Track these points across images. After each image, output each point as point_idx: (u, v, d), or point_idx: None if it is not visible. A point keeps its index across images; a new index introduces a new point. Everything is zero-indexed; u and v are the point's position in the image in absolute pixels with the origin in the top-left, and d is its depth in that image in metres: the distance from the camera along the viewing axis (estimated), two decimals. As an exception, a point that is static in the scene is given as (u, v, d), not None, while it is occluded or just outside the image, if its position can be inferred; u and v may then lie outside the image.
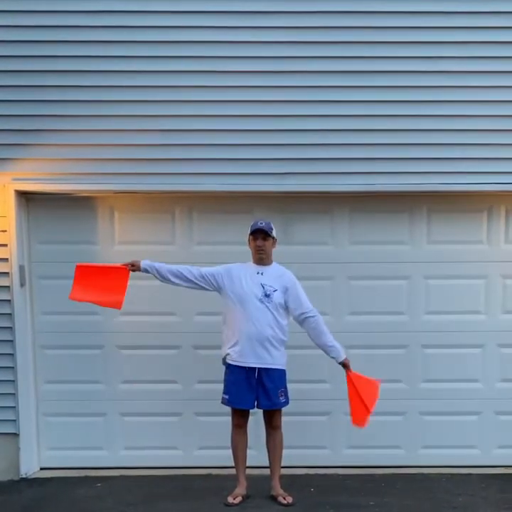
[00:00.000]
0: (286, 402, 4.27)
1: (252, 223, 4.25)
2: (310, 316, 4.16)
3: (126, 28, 4.52)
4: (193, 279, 4.19)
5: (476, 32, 4.52)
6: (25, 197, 4.76)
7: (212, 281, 4.20)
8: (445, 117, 4.58)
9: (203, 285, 4.22)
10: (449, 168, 4.62)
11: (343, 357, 4.21)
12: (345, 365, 4.23)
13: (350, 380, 4.18)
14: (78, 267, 4.18)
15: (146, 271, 4.20)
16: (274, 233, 4.23)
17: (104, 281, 4.14)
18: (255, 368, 4.14)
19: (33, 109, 4.56)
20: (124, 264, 4.20)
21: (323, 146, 4.59)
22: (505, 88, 4.58)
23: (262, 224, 4.20)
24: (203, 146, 4.56)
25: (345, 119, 4.58)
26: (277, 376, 4.20)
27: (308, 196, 4.69)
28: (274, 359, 4.16)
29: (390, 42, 4.53)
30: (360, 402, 4.12)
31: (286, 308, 4.20)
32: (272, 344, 4.13)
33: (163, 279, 4.21)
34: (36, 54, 4.52)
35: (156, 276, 4.23)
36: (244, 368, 4.15)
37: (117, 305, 4.16)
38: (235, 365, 4.17)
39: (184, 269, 4.20)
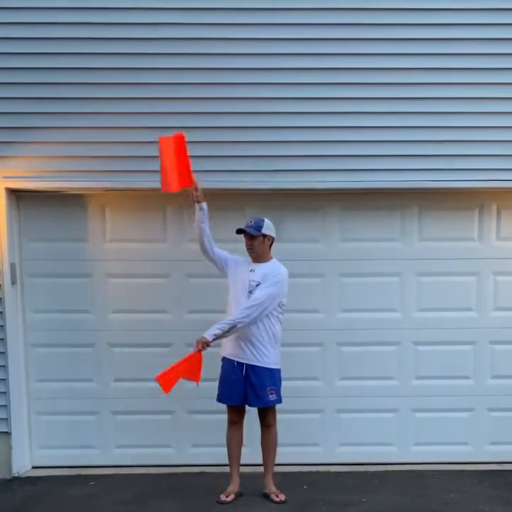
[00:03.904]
0: (277, 401, 4.22)
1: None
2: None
3: (118, 25, 4.49)
4: (213, 253, 4.25)
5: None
6: (15, 195, 4.74)
7: (223, 262, 4.25)
8: (436, 114, 4.57)
9: (216, 261, 4.27)
10: (441, 165, 4.61)
11: (205, 335, 3.98)
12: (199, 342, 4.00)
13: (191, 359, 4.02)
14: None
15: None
16: (264, 230, 4.14)
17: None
18: (243, 363, 4.14)
19: (23, 106, 4.53)
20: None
21: (314, 144, 4.58)
22: (497, 85, 4.56)
23: (250, 222, 4.17)
24: (192, 143, 4.54)
25: (335, 117, 4.57)
26: (265, 374, 4.14)
27: (300, 193, 4.68)
28: (261, 357, 4.12)
29: (380, 39, 4.51)
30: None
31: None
32: (258, 341, 4.11)
33: (207, 246, 4.23)
34: (25, 51, 4.49)
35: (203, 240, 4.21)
36: (233, 361, 4.16)
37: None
38: (225, 358, 4.20)
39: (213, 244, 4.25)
